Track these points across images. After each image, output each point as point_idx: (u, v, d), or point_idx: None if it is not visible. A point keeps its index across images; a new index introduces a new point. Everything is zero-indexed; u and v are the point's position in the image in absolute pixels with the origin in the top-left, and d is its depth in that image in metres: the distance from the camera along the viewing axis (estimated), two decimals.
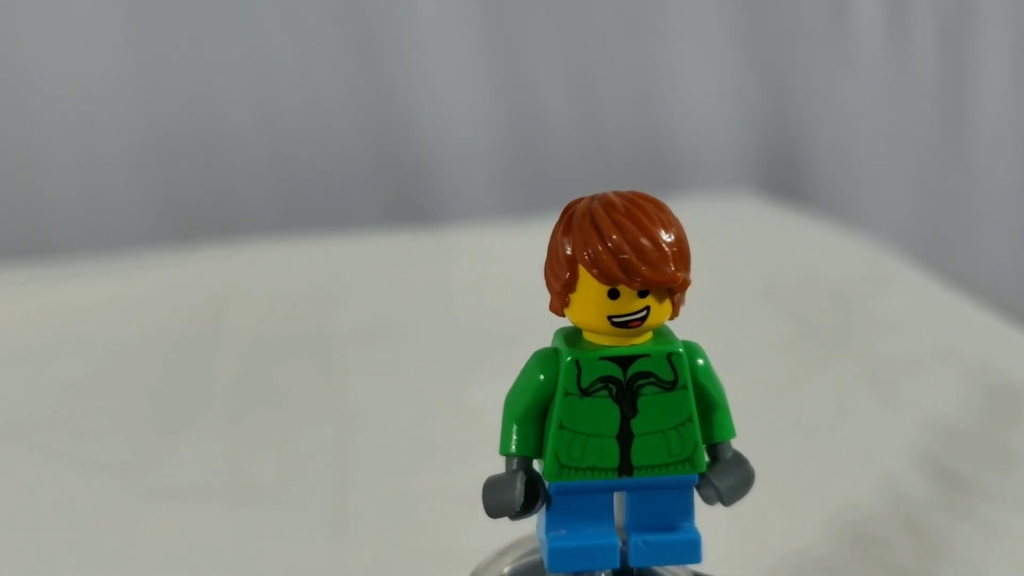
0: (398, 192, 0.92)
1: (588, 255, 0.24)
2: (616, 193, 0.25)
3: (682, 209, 0.24)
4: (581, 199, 0.25)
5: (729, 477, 0.26)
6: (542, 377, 0.25)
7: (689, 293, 0.25)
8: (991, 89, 0.98)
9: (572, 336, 0.25)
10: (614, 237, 0.24)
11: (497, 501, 0.24)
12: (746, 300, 0.67)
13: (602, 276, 0.24)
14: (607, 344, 0.25)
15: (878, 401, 0.53)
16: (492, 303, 0.67)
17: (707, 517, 0.44)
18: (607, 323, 0.24)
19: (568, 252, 0.24)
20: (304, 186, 0.91)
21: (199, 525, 0.45)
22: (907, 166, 1.00)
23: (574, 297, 0.24)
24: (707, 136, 0.96)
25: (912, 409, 0.52)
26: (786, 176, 0.99)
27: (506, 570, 0.28)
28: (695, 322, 0.61)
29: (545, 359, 0.25)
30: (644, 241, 0.24)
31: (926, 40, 0.97)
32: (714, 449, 0.26)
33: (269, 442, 0.52)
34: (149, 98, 0.86)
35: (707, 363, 0.26)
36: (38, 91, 0.85)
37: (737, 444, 0.52)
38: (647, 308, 0.24)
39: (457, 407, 0.54)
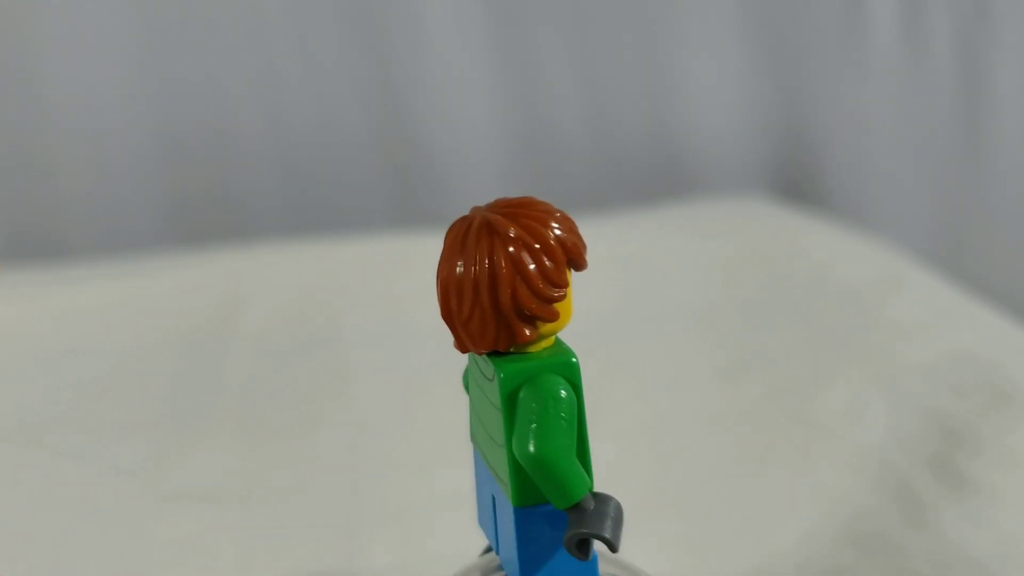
0: (408, 196, 0.92)
1: (574, 247, 0.24)
2: (497, 203, 0.25)
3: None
4: (465, 226, 0.24)
5: None
6: (564, 393, 0.23)
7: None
8: (1007, 93, 0.97)
9: (519, 353, 0.24)
10: (568, 225, 0.24)
11: (620, 529, 0.24)
12: (758, 303, 0.67)
13: (581, 262, 0.24)
14: (538, 348, 0.25)
15: (891, 404, 0.53)
16: None
17: (711, 520, 0.44)
18: None
19: (559, 255, 0.24)
20: (314, 189, 0.91)
21: (212, 526, 0.45)
22: (921, 169, 0.99)
23: (561, 306, 0.24)
24: (720, 140, 0.96)
25: (925, 413, 0.52)
26: (800, 180, 0.98)
27: None
28: (708, 325, 0.62)
29: (558, 380, 0.24)
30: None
31: (942, 43, 0.96)
32: None
33: (281, 444, 0.52)
34: (160, 102, 0.87)
35: None
36: (52, 97, 0.85)
37: (750, 447, 0.52)
38: None
39: (466, 410, 0.54)
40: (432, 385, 0.58)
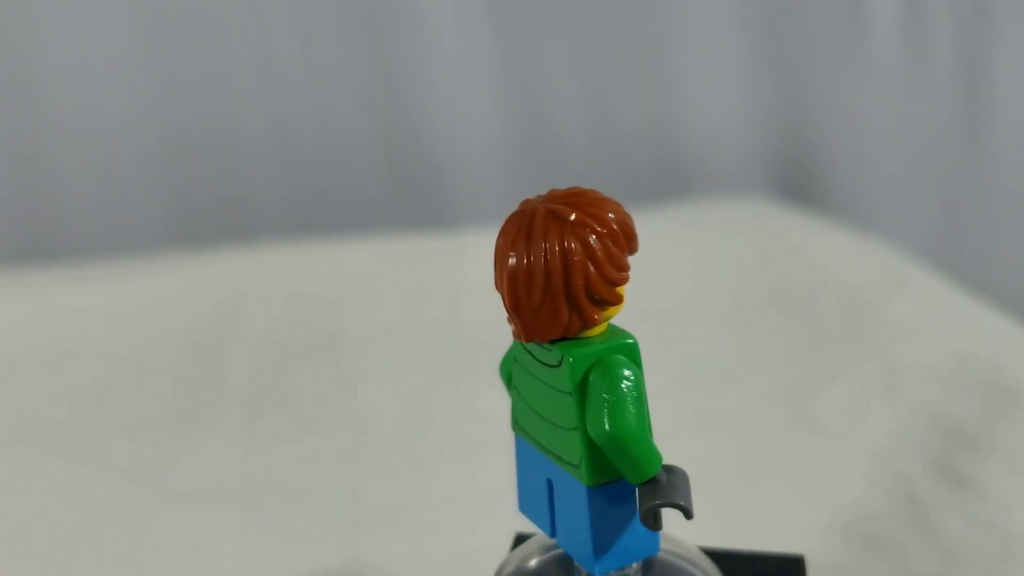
0: (411, 196, 0.92)
1: (631, 231, 0.25)
2: (552, 194, 0.26)
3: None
4: (528, 217, 0.25)
5: None
6: (630, 373, 0.24)
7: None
8: (1007, 93, 0.98)
9: (579, 339, 0.25)
10: (620, 209, 0.25)
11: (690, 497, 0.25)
12: (760, 304, 0.67)
13: (636, 245, 0.25)
14: (595, 332, 0.25)
15: (892, 405, 0.53)
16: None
17: (712, 520, 0.44)
18: None
19: (621, 240, 0.25)
20: (317, 190, 0.91)
21: (214, 526, 0.45)
22: (922, 170, 0.99)
23: (621, 289, 0.25)
24: (721, 140, 0.96)
25: (927, 413, 0.52)
26: (801, 180, 0.98)
27: (532, 563, 0.28)
28: (709, 324, 0.62)
29: (624, 361, 0.25)
30: None
31: (943, 45, 0.96)
32: None
33: (283, 444, 0.53)
34: (164, 104, 0.87)
35: None
36: (56, 98, 0.85)
37: (750, 449, 0.52)
38: None
39: (469, 410, 0.54)
40: (435, 384, 0.58)
